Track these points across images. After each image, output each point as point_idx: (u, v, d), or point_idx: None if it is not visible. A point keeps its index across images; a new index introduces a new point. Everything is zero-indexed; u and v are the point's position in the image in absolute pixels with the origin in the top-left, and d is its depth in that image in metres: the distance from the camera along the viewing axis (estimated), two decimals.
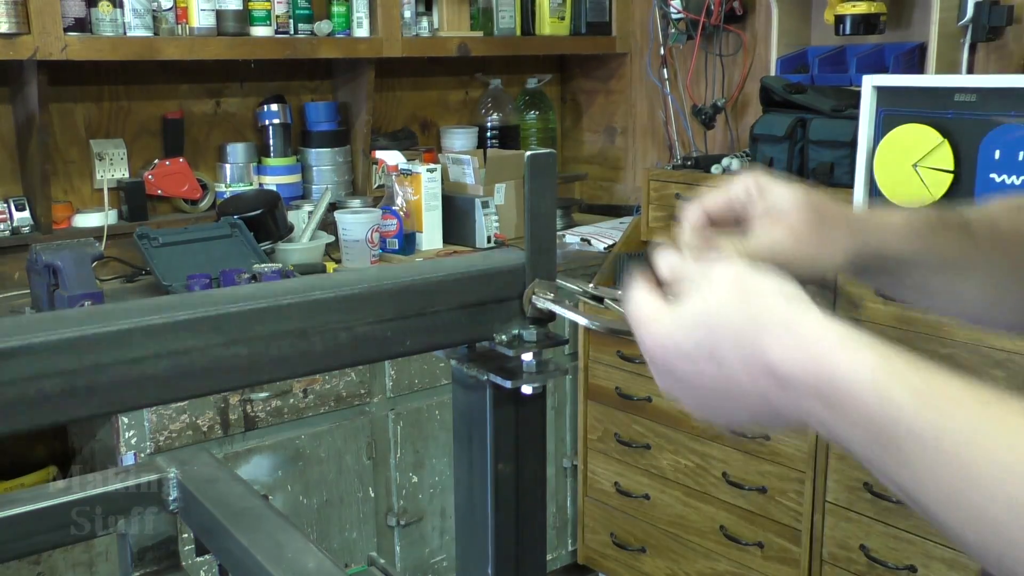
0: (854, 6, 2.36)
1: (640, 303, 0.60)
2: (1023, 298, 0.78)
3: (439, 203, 2.70)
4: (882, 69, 2.41)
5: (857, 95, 2.07)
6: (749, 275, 0.56)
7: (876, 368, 0.48)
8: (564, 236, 2.94)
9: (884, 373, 0.47)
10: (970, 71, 2.28)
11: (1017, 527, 0.42)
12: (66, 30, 2.22)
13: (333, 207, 2.81)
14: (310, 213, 2.74)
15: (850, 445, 0.50)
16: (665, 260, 0.62)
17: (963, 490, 0.44)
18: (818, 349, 0.50)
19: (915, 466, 0.46)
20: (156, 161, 2.60)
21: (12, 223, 2.37)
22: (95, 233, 2.45)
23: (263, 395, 2.14)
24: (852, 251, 0.70)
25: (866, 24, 2.36)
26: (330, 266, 2.58)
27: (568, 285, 0.74)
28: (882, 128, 2.00)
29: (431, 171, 2.65)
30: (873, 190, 2.02)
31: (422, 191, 2.63)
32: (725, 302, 0.55)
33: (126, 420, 1.98)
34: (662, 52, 3.04)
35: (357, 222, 2.56)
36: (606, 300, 0.74)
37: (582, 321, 0.69)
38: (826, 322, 0.51)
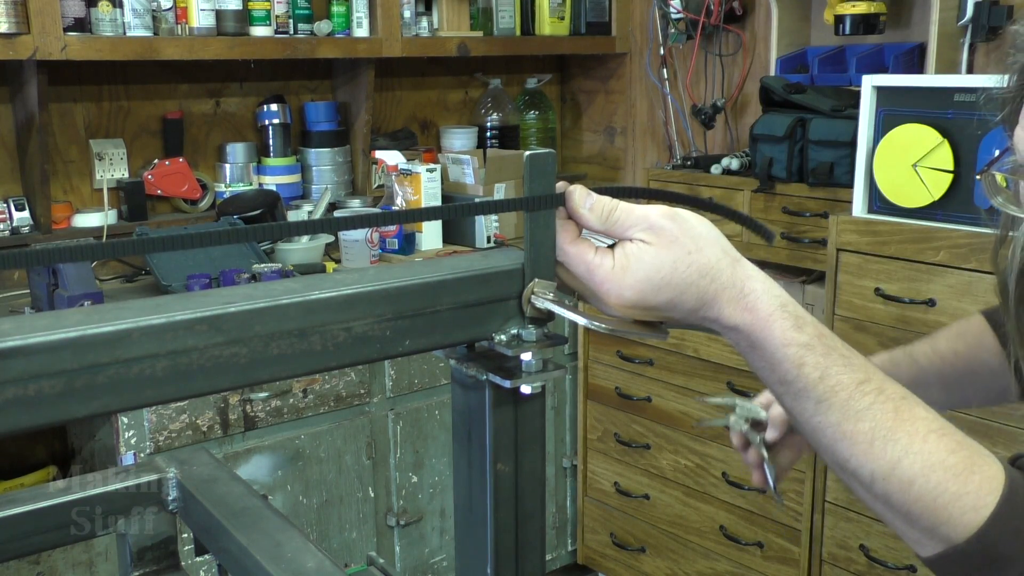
0: (854, 6, 2.36)
1: (591, 269, 0.68)
2: (977, 392, 1.07)
3: (439, 203, 2.70)
4: (882, 69, 2.41)
5: (857, 95, 2.07)
6: (688, 228, 0.68)
7: (792, 344, 0.68)
8: None
9: (797, 349, 0.68)
10: (970, 71, 2.28)
11: (840, 456, 0.70)
12: (66, 30, 2.22)
13: (333, 207, 2.81)
14: (310, 213, 2.74)
15: (759, 373, 0.71)
16: (589, 204, 0.70)
17: (832, 445, 0.70)
18: (759, 318, 0.68)
19: (804, 405, 0.69)
20: (156, 161, 2.60)
21: (12, 223, 2.37)
22: (95, 233, 2.45)
23: (263, 395, 2.14)
24: None
25: (866, 24, 2.37)
26: (330, 266, 2.58)
27: None
28: (882, 128, 2.00)
29: (431, 171, 2.65)
30: (873, 190, 2.02)
31: (422, 191, 2.63)
32: (682, 266, 0.67)
33: (126, 420, 1.98)
34: (662, 52, 3.04)
35: None
36: None
37: (581, 321, 0.69)
38: (767, 292, 0.68)
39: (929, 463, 0.67)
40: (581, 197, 0.70)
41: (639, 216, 0.68)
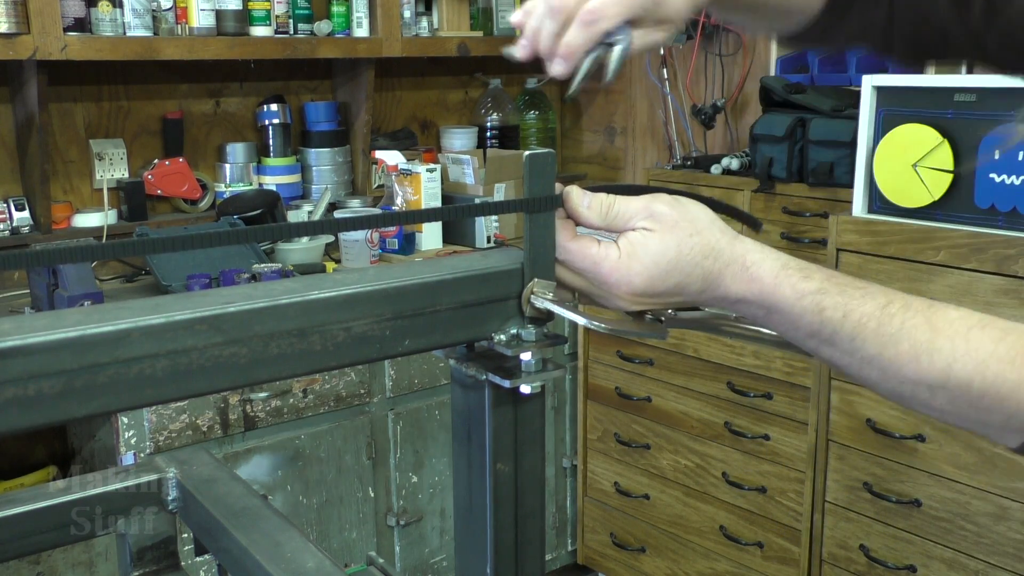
0: None
1: (596, 262, 0.69)
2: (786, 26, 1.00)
3: (439, 203, 2.70)
4: (882, 69, 2.41)
5: (857, 95, 2.07)
6: (686, 213, 0.70)
7: (805, 295, 0.69)
8: None
9: (813, 297, 0.68)
10: (970, 71, 2.28)
11: (892, 384, 0.69)
12: (66, 30, 2.22)
13: (333, 207, 2.81)
14: (310, 213, 2.74)
15: (787, 336, 0.71)
16: (587, 203, 0.71)
17: (882, 378, 0.69)
18: (766, 284, 0.69)
19: (840, 348, 0.69)
20: (156, 161, 2.60)
21: (12, 223, 2.37)
22: (95, 233, 2.45)
23: (263, 395, 2.14)
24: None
25: None
26: (329, 266, 2.58)
27: None
28: (882, 128, 2.00)
29: (431, 171, 2.65)
30: (873, 190, 2.02)
31: (422, 191, 2.63)
32: (686, 249, 0.69)
33: (126, 420, 1.98)
34: (662, 52, 3.04)
35: None
36: None
37: (581, 321, 0.69)
38: (766, 258, 0.70)
39: (979, 359, 0.66)
40: (579, 196, 0.71)
41: (638, 207, 0.70)
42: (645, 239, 0.69)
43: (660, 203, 0.70)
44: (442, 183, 2.72)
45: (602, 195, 0.71)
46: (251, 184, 2.77)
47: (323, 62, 2.87)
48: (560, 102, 3.49)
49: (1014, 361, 0.66)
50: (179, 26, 2.44)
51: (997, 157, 1.83)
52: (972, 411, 0.68)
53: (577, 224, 0.72)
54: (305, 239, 2.56)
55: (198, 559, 1.23)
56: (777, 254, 0.71)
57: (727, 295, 0.70)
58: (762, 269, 0.70)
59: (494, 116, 3.19)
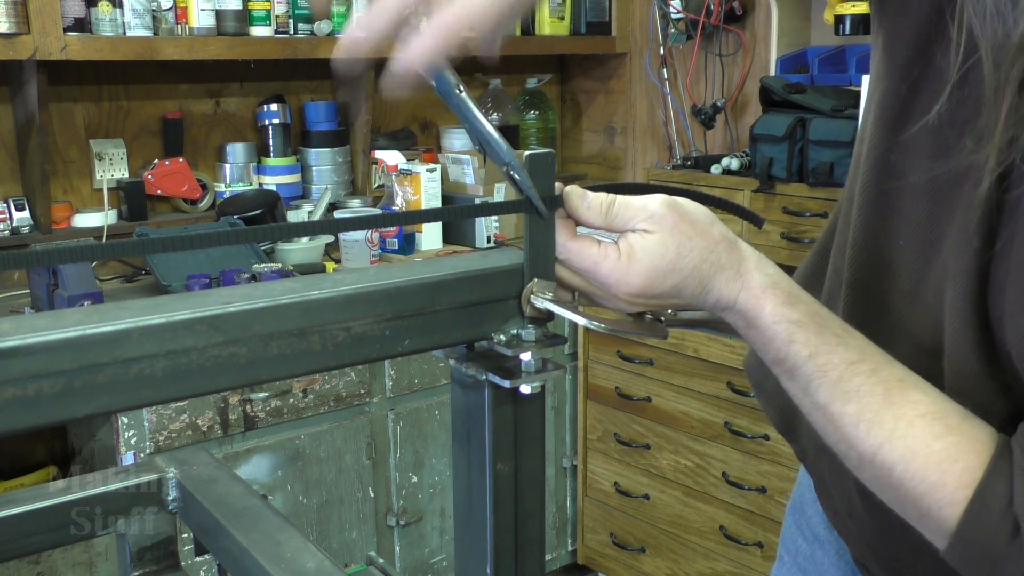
0: (854, 6, 2.36)
1: (596, 262, 0.69)
2: None
3: (439, 203, 2.70)
4: None
5: (857, 95, 2.07)
6: (686, 215, 0.69)
7: (782, 321, 0.68)
8: None
9: (788, 325, 0.68)
10: None
11: (832, 438, 0.69)
12: (66, 30, 2.22)
13: (333, 207, 2.81)
14: (310, 213, 2.74)
15: (759, 353, 0.71)
16: (587, 202, 0.70)
17: (822, 426, 0.69)
18: (752, 295, 0.68)
19: (798, 385, 0.69)
20: (156, 161, 2.60)
21: (12, 223, 2.37)
22: (95, 233, 2.45)
23: (263, 395, 2.14)
24: None
25: (866, 24, 2.36)
26: (329, 266, 2.58)
27: None
28: None
29: (431, 171, 2.65)
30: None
31: (422, 191, 2.63)
32: (685, 250, 0.68)
33: (126, 420, 1.98)
34: (662, 52, 3.04)
35: None
36: None
37: (581, 321, 0.69)
38: (759, 271, 0.69)
39: (911, 448, 0.64)
40: (578, 196, 0.71)
41: (638, 207, 0.69)
42: (644, 241, 0.68)
43: (660, 204, 0.69)
44: (442, 183, 2.72)
45: (602, 195, 0.70)
46: (251, 184, 2.77)
47: (323, 62, 2.86)
48: (560, 102, 3.49)
49: (940, 464, 0.64)
50: (179, 26, 2.44)
51: None
52: (892, 495, 0.67)
53: (577, 224, 0.72)
54: (305, 239, 2.56)
55: (198, 559, 1.24)
56: (774, 270, 0.70)
57: (717, 300, 0.69)
58: (752, 280, 0.69)
59: (494, 116, 3.19)
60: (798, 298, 0.69)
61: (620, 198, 0.70)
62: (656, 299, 0.69)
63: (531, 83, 3.32)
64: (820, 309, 0.69)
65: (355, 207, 2.81)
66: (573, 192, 0.71)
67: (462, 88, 0.67)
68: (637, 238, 0.68)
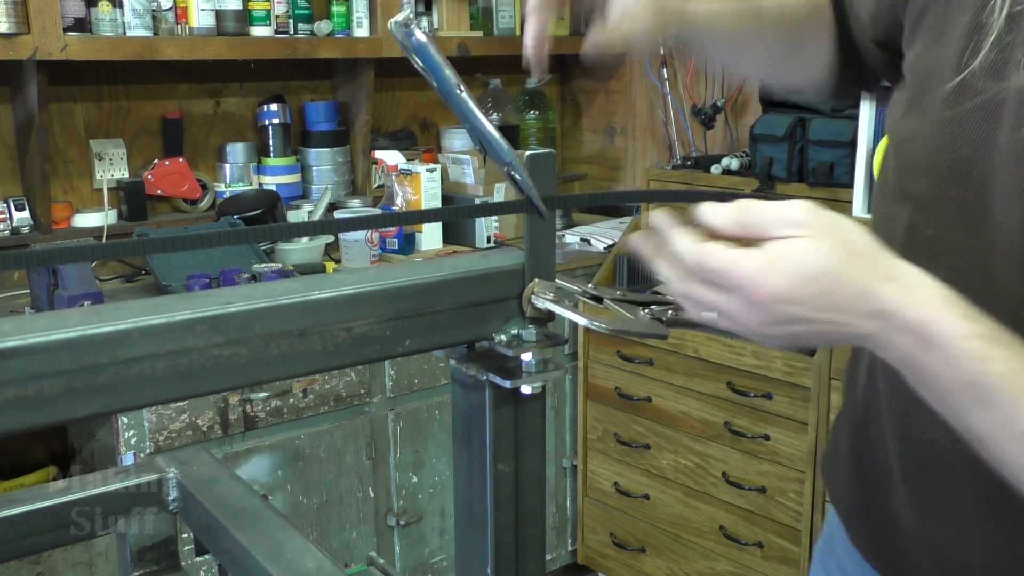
0: None
1: (738, 259, 0.63)
2: (792, 69, 1.03)
3: (439, 203, 2.70)
4: None
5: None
6: (836, 221, 0.64)
7: (971, 336, 0.60)
8: (564, 236, 2.94)
9: (978, 341, 0.60)
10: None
11: None
12: (66, 30, 2.22)
13: (333, 207, 2.81)
14: (310, 213, 2.74)
15: (931, 380, 0.62)
16: (717, 211, 0.65)
17: (1020, 440, 0.59)
18: (930, 309, 0.61)
19: (992, 412, 0.59)
20: (156, 161, 2.60)
21: (12, 223, 2.37)
22: (95, 233, 2.45)
23: (263, 395, 2.14)
24: (676, 28, 0.93)
25: None
26: (330, 266, 2.58)
27: (567, 285, 0.74)
28: (882, 128, 2.00)
29: (431, 171, 2.65)
30: (873, 189, 2.02)
31: (422, 191, 2.63)
32: (838, 256, 0.62)
33: (126, 420, 1.98)
34: (662, 52, 3.04)
35: None
36: (606, 300, 0.74)
37: (582, 321, 0.69)
38: (931, 283, 0.62)
39: None
40: (707, 204, 0.66)
41: (778, 213, 0.64)
42: (793, 243, 0.63)
43: (805, 210, 0.63)
44: (442, 183, 2.72)
45: (733, 203, 0.65)
46: (251, 184, 2.77)
47: (323, 62, 2.87)
48: (560, 102, 3.49)
49: None
50: (179, 26, 2.44)
51: None
52: None
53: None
54: (305, 239, 2.56)
55: (198, 559, 1.23)
56: (940, 283, 0.62)
57: (880, 311, 0.61)
58: (924, 293, 0.61)
59: (494, 116, 3.19)
60: (975, 311, 0.61)
61: (754, 203, 0.65)
62: (800, 305, 0.63)
63: (531, 83, 3.32)
64: (995, 322, 0.61)
65: (355, 207, 2.81)
66: (702, 204, 0.67)
67: (463, 88, 0.67)
68: (783, 242, 0.63)
